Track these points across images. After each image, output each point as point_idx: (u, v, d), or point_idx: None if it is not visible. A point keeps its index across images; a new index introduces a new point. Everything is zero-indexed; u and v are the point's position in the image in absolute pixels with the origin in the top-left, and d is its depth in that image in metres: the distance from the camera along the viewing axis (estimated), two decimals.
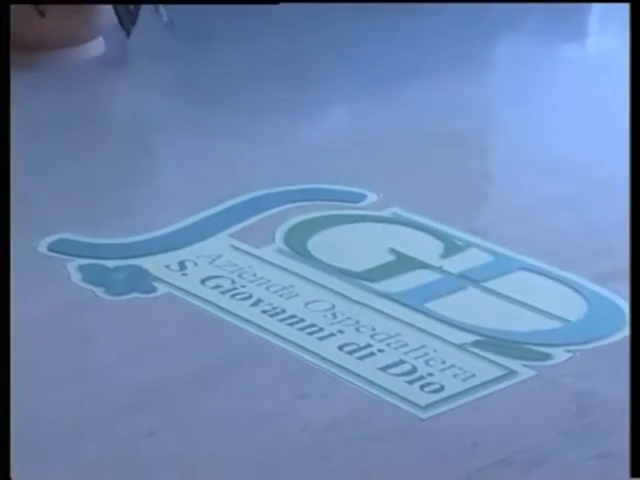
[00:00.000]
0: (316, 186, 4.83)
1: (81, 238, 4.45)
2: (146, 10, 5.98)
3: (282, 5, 6.97)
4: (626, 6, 4.02)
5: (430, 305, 3.90)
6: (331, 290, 4.03)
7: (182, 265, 4.24)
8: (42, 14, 5.78)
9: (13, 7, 5.73)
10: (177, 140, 5.58)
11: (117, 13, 5.92)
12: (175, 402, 3.53)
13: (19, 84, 5.74)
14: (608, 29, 7.26)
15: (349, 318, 3.86)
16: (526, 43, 6.85)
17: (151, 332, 3.90)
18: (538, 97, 5.79)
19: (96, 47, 6.22)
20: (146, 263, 4.26)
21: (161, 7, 6.00)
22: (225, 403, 3.50)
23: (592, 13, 7.49)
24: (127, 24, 5.93)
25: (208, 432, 3.38)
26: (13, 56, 5.92)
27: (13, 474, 2.57)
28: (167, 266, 4.23)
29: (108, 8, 5.95)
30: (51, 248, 4.40)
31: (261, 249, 4.34)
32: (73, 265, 4.25)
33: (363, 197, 4.73)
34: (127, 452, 3.25)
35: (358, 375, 3.55)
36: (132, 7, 5.88)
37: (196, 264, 4.25)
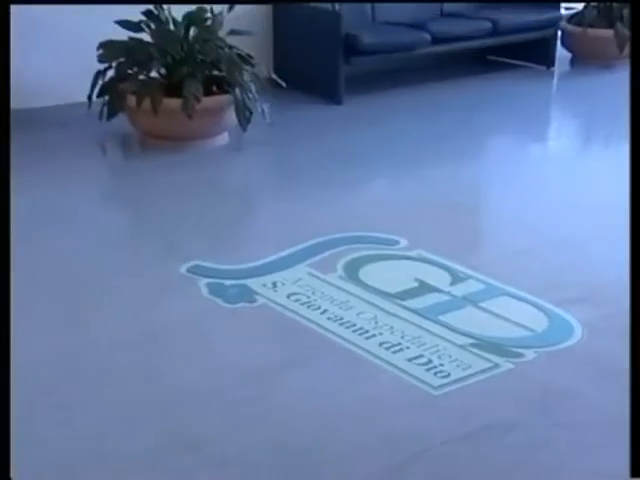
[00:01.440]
0: (365, 234, 4.85)
1: (208, 264, 4.50)
2: (256, 115, 5.97)
3: (344, 106, 7.00)
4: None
5: (442, 317, 3.98)
6: (374, 305, 4.10)
7: (274, 284, 4.29)
8: (190, 117, 5.80)
9: (173, 111, 5.79)
10: (273, 200, 5.71)
11: (237, 116, 5.93)
12: (268, 378, 3.56)
13: (172, 162, 5.86)
14: (562, 135, 7.23)
15: (386, 324, 3.94)
16: (506, 142, 6.85)
17: (253, 329, 4.00)
18: (513, 178, 5.78)
19: (223, 138, 6.28)
20: (250, 282, 4.33)
21: (266, 112, 6.03)
22: (302, 380, 3.59)
23: (551, 125, 7.44)
24: (243, 123, 5.97)
25: (291, 401, 3.45)
26: (168, 143, 6.01)
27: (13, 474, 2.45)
28: (264, 285, 4.29)
29: (231, 112, 5.94)
30: (189, 270, 4.46)
31: (327, 275, 4.39)
32: (202, 283, 4.32)
33: (397, 242, 4.75)
34: (232, 413, 3.32)
35: (392, 364, 3.65)
36: (247, 113, 5.89)
37: (283, 284, 4.31)
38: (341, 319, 3.95)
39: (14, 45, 6.00)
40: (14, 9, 5.97)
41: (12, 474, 2.46)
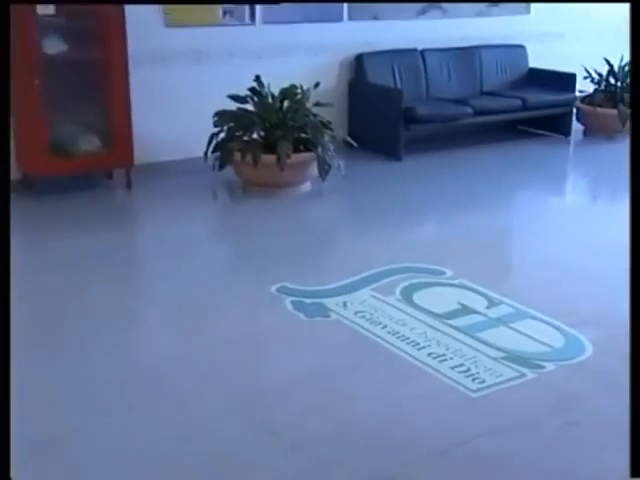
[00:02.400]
0: (418, 265, 4.80)
1: (292, 286, 4.50)
2: (333, 169, 6.01)
3: (403, 163, 7.00)
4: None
5: (479, 334, 3.95)
6: (424, 322, 4.08)
7: (344, 304, 4.28)
8: (282, 169, 5.84)
9: (269, 165, 5.80)
10: (345, 236, 5.77)
11: (318, 169, 5.95)
12: (338, 377, 3.57)
13: (267, 204, 5.91)
14: (577, 190, 7.16)
15: (434, 338, 3.92)
16: (531, 194, 6.78)
17: (327, 339, 3.99)
18: (537, 223, 5.74)
19: (307, 187, 6.29)
20: (325, 301, 4.32)
21: (341, 167, 6.04)
22: (365, 380, 3.60)
23: (567, 182, 7.38)
24: (323, 175, 5.99)
25: (356, 396, 3.46)
26: (264, 190, 6.03)
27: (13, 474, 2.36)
28: (336, 304, 4.28)
29: (314, 166, 5.96)
30: (278, 290, 4.46)
31: (387, 298, 4.38)
32: (288, 300, 4.33)
33: (443, 272, 4.72)
34: (307, 405, 3.37)
35: (438, 370, 3.64)
36: (327, 167, 5.91)
37: (352, 303, 4.29)
38: (397, 333, 3.93)
39: (150, 111, 6.17)
40: (151, 80, 6.18)
41: (12, 474, 2.35)
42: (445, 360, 3.65)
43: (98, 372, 3.59)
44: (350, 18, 7.37)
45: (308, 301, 4.29)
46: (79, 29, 5.96)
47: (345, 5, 7.31)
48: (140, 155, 6.22)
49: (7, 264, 2.43)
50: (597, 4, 8.20)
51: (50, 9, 5.63)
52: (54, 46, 5.82)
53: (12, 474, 2.32)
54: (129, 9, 5.85)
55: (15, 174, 6.14)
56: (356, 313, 4.14)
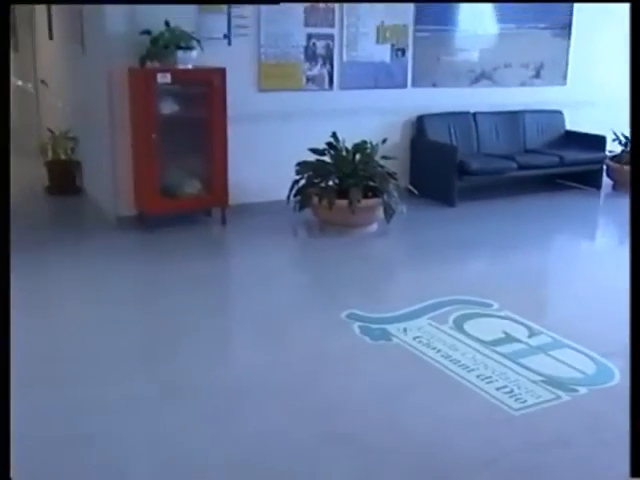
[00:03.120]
0: (468, 298, 4.75)
1: (360, 312, 4.49)
2: (397, 213, 6.01)
3: (457, 208, 6.98)
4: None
5: (521, 360, 3.90)
6: (474, 348, 4.03)
7: (405, 329, 4.26)
8: (353, 212, 5.86)
9: (342, 208, 5.82)
10: (405, 270, 5.75)
11: (384, 212, 5.96)
12: (398, 394, 3.55)
13: (339, 242, 5.95)
14: (606, 235, 7.07)
15: (482, 362, 3.87)
16: (566, 238, 6.68)
17: (389, 360, 3.96)
18: (572, 263, 5.67)
19: (373, 227, 6.29)
20: (388, 327, 4.30)
21: (404, 211, 6.05)
22: (421, 396, 3.59)
23: (598, 228, 7.30)
24: (388, 218, 5.99)
25: (413, 411, 3.44)
26: (338, 229, 6.05)
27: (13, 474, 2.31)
28: (398, 329, 4.26)
29: (380, 210, 5.96)
30: (347, 316, 4.45)
31: (441, 325, 4.34)
32: (356, 325, 4.32)
33: (491, 305, 4.66)
34: (370, 417, 3.30)
35: (485, 390, 3.60)
36: (391, 211, 5.91)
37: (411, 330, 4.26)
38: (450, 356, 3.89)
39: (243, 161, 6.25)
40: (246, 134, 6.28)
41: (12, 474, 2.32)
42: (491, 382, 3.60)
43: (194, 380, 3.64)
44: (413, 85, 7.40)
45: (373, 326, 4.27)
46: (189, 94, 6.09)
47: (409, 74, 7.33)
48: (234, 197, 6.30)
49: (7, 265, 2.29)
50: (617, 77, 8.09)
51: (167, 78, 5.77)
52: (168, 107, 5.97)
53: (12, 474, 2.28)
54: (230, 78, 5.97)
55: (132, 211, 6.32)
56: (414, 338, 4.11)
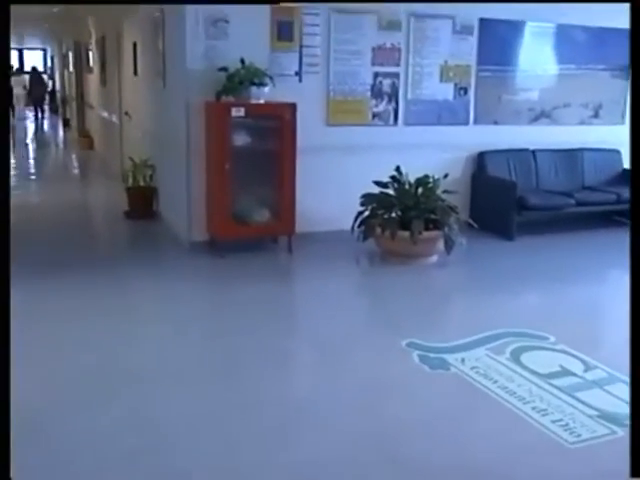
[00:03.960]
0: (525, 330, 4.64)
1: (419, 341, 4.43)
2: (457, 245, 5.92)
3: (515, 242, 6.90)
4: None
5: (577, 394, 3.79)
6: (530, 380, 3.93)
7: (462, 360, 4.18)
8: (414, 243, 5.82)
9: (404, 239, 5.77)
10: (464, 301, 5.63)
11: (445, 244, 5.90)
12: (456, 420, 3.49)
13: (401, 271, 5.94)
14: None
15: (537, 395, 3.77)
16: (623, 273, 6.48)
17: (447, 388, 3.89)
18: (626, 298, 5.45)
19: (434, 258, 6.22)
20: (446, 356, 4.23)
21: (463, 243, 5.97)
22: (477, 425, 3.52)
23: None
24: (448, 250, 5.93)
25: (470, 438, 3.38)
26: (399, 259, 5.99)
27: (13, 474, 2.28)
28: (455, 359, 4.18)
29: (441, 242, 5.89)
30: (407, 345, 4.39)
31: (499, 357, 4.24)
32: (415, 354, 4.26)
33: (547, 338, 4.55)
34: (426, 441, 3.23)
35: (540, 423, 3.51)
36: (451, 243, 5.83)
37: (469, 360, 4.18)
38: (506, 387, 3.79)
39: (310, 191, 6.27)
40: (313, 166, 6.31)
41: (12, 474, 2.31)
42: (547, 414, 3.50)
43: (259, 398, 3.64)
44: (475, 122, 7.35)
45: (432, 355, 4.20)
46: (261, 127, 6.16)
47: (471, 112, 7.29)
48: (300, 225, 6.33)
49: (7, 269, 2.27)
50: None
51: (241, 112, 5.86)
52: (241, 139, 6.05)
53: (12, 474, 2.27)
54: (300, 112, 6.03)
55: (204, 236, 6.40)
56: (472, 368, 4.03)
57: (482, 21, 7.15)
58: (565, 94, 7.75)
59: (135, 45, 8.62)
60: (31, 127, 21.44)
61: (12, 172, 12.72)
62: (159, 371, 3.97)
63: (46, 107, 24.16)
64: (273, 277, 5.84)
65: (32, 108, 23.62)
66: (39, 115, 23.53)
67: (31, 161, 14.32)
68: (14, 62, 27.45)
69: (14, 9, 11.33)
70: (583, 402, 3.63)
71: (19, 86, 23.38)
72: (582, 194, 7.51)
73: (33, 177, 11.98)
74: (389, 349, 4.34)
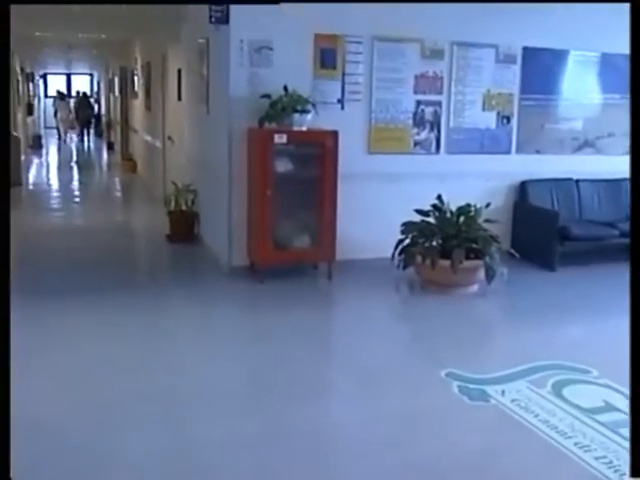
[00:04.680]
0: (567, 363, 4.56)
1: (459, 372, 4.39)
2: (497, 275, 5.83)
3: (557, 272, 6.78)
4: None
5: (621, 430, 3.69)
6: (572, 415, 3.87)
7: (503, 392, 4.12)
8: (455, 272, 5.80)
9: (444, 268, 5.74)
10: (505, 331, 5.59)
11: (485, 274, 5.84)
12: (495, 453, 3.42)
13: (440, 300, 5.86)
14: None
15: (580, 430, 3.71)
16: None
17: (487, 421, 3.85)
18: None
19: (474, 288, 6.17)
20: (487, 388, 4.18)
21: (504, 273, 5.90)
22: (517, 459, 3.47)
23: None
24: (489, 279, 5.88)
25: (508, 473, 3.34)
26: (439, 288, 5.95)
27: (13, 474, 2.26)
28: (496, 391, 4.13)
29: (482, 272, 5.84)
30: (446, 375, 4.35)
31: (540, 390, 4.18)
32: (454, 384, 4.22)
33: (590, 372, 4.46)
34: (463, 474, 3.13)
35: (583, 459, 3.45)
36: (492, 273, 5.78)
37: (509, 392, 4.12)
38: (548, 422, 3.73)
39: (351, 218, 6.26)
40: (354, 193, 6.31)
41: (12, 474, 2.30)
42: (590, 451, 3.42)
43: (296, 426, 3.63)
44: (517, 151, 7.31)
45: (472, 386, 4.15)
46: (303, 154, 6.19)
47: (514, 140, 7.26)
48: (341, 252, 6.33)
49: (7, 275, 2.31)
50: None
51: (283, 138, 5.91)
52: (283, 166, 6.10)
53: (12, 474, 2.28)
54: (342, 139, 6.06)
55: (245, 261, 6.43)
56: (512, 401, 3.97)
57: (525, 50, 7.13)
58: (609, 123, 7.66)
59: (180, 71, 8.76)
60: (75, 149, 21.86)
61: (56, 194, 12.97)
62: (196, 395, 4.00)
63: (92, 130, 24.72)
64: (312, 304, 5.84)
65: (78, 131, 24.26)
66: (84, 137, 24.13)
67: (75, 183, 14.58)
68: (62, 87, 28.10)
69: (67, 36, 11.61)
70: (627, 439, 3.54)
71: (65, 110, 24.01)
72: (626, 225, 7.36)
73: (77, 199, 12.18)
74: (428, 379, 4.31)
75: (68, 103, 24.50)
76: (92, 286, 6.10)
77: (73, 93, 27.02)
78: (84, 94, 25.19)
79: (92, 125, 24.67)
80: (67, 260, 7.21)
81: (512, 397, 4.02)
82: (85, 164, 18.38)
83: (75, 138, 24.57)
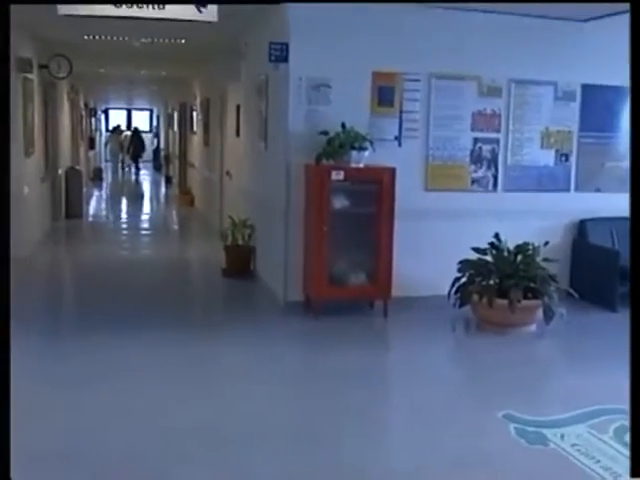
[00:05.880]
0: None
1: (516, 414, 4.28)
2: (556, 315, 5.71)
3: (618, 313, 6.59)
4: None
5: None
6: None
7: (562, 436, 4.03)
8: (512, 312, 5.71)
9: (501, 307, 5.67)
10: (564, 373, 5.45)
11: (544, 314, 5.76)
12: None
13: (497, 340, 5.82)
14: None
15: None
16: None
17: (545, 465, 3.74)
18: None
19: (532, 328, 6.06)
20: (545, 431, 4.08)
21: (563, 314, 5.80)
22: None
23: None
24: (547, 320, 5.80)
25: None
26: (496, 328, 5.86)
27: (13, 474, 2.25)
28: (554, 434, 4.04)
29: (540, 312, 5.74)
30: (503, 416, 4.26)
31: (601, 435, 4.07)
32: (512, 427, 4.13)
33: None
34: None
35: None
36: (550, 313, 5.68)
37: (569, 436, 4.02)
38: (610, 469, 3.62)
39: (407, 255, 6.23)
40: (411, 230, 6.29)
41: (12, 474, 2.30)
42: None
43: (349, 465, 3.62)
44: (576, 189, 7.22)
45: (529, 429, 4.06)
46: (360, 190, 6.23)
47: (573, 178, 7.18)
48: (396, 289, 6.30)
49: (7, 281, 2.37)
50: None
51: (341, 175, 5.97)
52: (340, 202, 6.14)
53: (12, 475, 2.28)
54: (399, 176, 6.08)
55: (300, 296, 6.46)
56: (572, 445, 3.87)
57: (585, 87, 7.08)
58: None
59: (238, 108, 8.92)
60: (134, 183, 22.34)
61: (114, 226, 13.24)
62: (248, 432, 3.99)
63: (141, 164, 25.61)
64: (367, 342, 5.81)
65: (131, 163, 25.37)
66: (133, 170, 25.35)
67: (133, 216, 14.87)
68: (122, 121, 28.88)
69: (129, 73, 11.93)
70: None
71: (115, 142, 24.82)
72: None
73: (134, 232, 12.41)
74: (484, 420, 4.24)
75: (119, 137, 25.29)
76: (146, 319, 6.20)
77: (133, 127, 27.81)
78: (135, 129, 26.08)
79: (142, 159, 25.57)
80: (123, 292, 7.34)
81: (572, 442, 3.92)
82: (143, 197, 18.77)
83: (133, 170, 25.30)
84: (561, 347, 6.07)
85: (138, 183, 22.65)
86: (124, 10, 5.15)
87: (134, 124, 29.25)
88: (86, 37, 8.96)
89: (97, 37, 8.96)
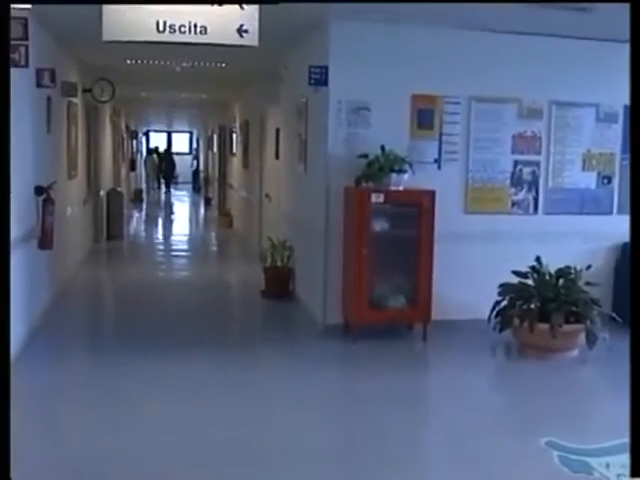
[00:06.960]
0: None
1: (559, 441, 4.19)
2: (599, 340, 5.63)
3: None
4: None
5: None
6: None
7: (607, 465, 3.93)
8: (554, 337, 5.63)
9: (543, 332, 5.59)
10: (609, 401, 5.19)
11: (586, 339, 5.67)
12: None
13: (538, 366, 5.78)
14: None
15: None
16: None
17: None
18: None
19: (574, 353, 5.96)
20: (589, 460, 3.98)
21: (606, 339, 5.71)
22: None
23: None
24: (590, 345, 5.71)
25: None
26: (537, 353, 5.77)
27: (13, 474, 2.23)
28: (599, 463, 3.94)
29: (582, 336, 5.64)
30: (546, 444, 4.18)
31: None
32: (555, 454, 4.04)
33: None
34: None
35: None
36: (593, 338, 5.58)
37: (614, 466, 3.91)
38: None
39: (447, 278, 6.19)
40: (451, 253, 6.25)
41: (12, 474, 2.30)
42: None
43: None
44: (619, 212, 7.10)
45: (573, 457, 3.98)
46: (399, 213, 6.23)
47: (615, 201, 7.09)
48: (436, 312, 6.26)
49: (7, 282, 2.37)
50: None
51: (380, 198, 5.96)
52: (379, 225, 6.14)
53: (12, 475, 2.28)
54: (439, 199, 6.05)
55: (339, 319, 6.44)
56: (618, 475, 3.78)
57: (627, 108, 6.98)
58: None
59: (278, 131, 8.99)
60: (173, 204, 22.59)
61: (154, 247, 13.37)
62: (286, 456, 3.98)
63: (172, 185, 26.36)
64: (406, 366, 5.76)
65: (162, 183, 26.27)
66: (164, 189, 26.10)
67: (173, 237, 15.02)
68: (162, 143, 29.31)
69: (170, 96, 12.06)
70: None
71: (152, 163, 25.31)
72: None
73: (174, 253, 12.53)
74: (526, 447, 4.16)
75: (154, 158, 25.78)
76: (185, 340, 6.25)
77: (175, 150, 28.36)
78: (166, 151, 26.78)
79: (174, 179, 26.27)
80: (162, 312, 7.40)
81: (617, 471, 3.82)
82: (181, 219, 18.95)
83: (173, 192, 25.64)
84: (604, 373, 5.93)
85: (170, 204, 22.83)
86: (166, 35, 5.21)
87: (174, 147, 29.67)
88: (128, 62, 9.13)
89: (139, 62, 9.13)
